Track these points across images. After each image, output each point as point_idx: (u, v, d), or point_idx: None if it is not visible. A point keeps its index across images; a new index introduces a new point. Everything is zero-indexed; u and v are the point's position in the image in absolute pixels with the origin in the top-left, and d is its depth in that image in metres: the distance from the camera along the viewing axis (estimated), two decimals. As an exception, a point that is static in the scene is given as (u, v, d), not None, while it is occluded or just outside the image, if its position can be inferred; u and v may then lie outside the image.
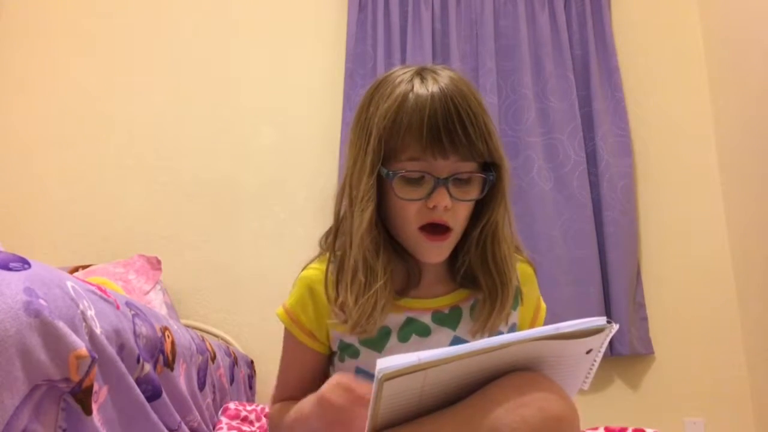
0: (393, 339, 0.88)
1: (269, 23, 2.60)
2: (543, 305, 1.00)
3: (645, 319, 2.29)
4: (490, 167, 0.86)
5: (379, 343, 0.88)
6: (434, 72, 0.86)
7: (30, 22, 2.60)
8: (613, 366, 2.29)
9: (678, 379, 2.28)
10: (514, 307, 0.93)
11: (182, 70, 2.56)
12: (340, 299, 0.86)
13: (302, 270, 0.95)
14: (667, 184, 2.44)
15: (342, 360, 0.91)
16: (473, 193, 0.85)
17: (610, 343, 2.22)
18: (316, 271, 0.93)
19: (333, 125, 2.43)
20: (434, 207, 0.82)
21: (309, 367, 0.94)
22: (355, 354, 0.89)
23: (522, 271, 0.95)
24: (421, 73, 0.86)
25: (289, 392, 0.94)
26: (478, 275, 0.89)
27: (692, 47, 2.55)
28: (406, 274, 0.90)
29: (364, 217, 0.83)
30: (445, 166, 0.82)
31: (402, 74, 0.87)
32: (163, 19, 2.61)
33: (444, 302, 0.91)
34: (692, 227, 2.40)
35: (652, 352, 2.27)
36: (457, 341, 0.88)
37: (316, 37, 2.59)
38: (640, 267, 2.35)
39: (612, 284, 2.26)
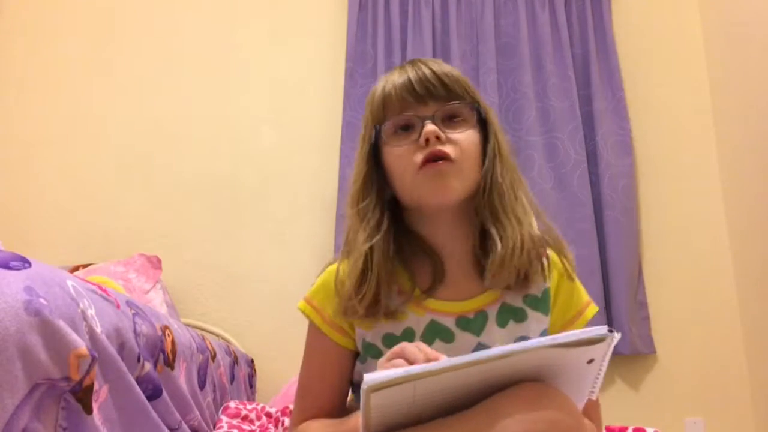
0: (416, 341, 0.84)
1: (269, 22, 2.60)
2: (587, 314, 0.92)
3: (647, 318, 2.28)
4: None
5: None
6: (419, 60, 0.90)
7: (30, 22, 2.59)
8: (613, 365, 2.28)
9: (678, 379, 2.28)
10: (545, 312, 0.89)
11: (182, 70, 2.55)
12: (347, 290, 0.86)
13: (326, 265, 0.95)
14: (668, 183, 2.44)
15: (363, 362, 0.89)
16: (465, 126, 0.87)
17: (611, 342, 2.22)
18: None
19: (333, 125, 2.43)
20: (427, 141, 0.83)
21: (337, 367, 0.90)
22: (377, 355, 0.86)
23: (557, 277, 0.90)
24: (405, 64, 0.91)
25: (315, 402, 0.89)
26: (491, 231, 0.85)
27: (692, 47, 2.55)
28: (431, 269, 0.88)
29: (357, 185, 0.89)
30: (427, 109, 0.85)
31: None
32: (164, 18, 2.61)
33: (470, 306, 0.87)
34: (693, 226, 2.40)
35: (654, 351, 2.26)
36: (480, 348, 0.85)
37: (316, 36, 2.58)
38: (642, 266, 2.35)
39: (613, 283, 2.26)
